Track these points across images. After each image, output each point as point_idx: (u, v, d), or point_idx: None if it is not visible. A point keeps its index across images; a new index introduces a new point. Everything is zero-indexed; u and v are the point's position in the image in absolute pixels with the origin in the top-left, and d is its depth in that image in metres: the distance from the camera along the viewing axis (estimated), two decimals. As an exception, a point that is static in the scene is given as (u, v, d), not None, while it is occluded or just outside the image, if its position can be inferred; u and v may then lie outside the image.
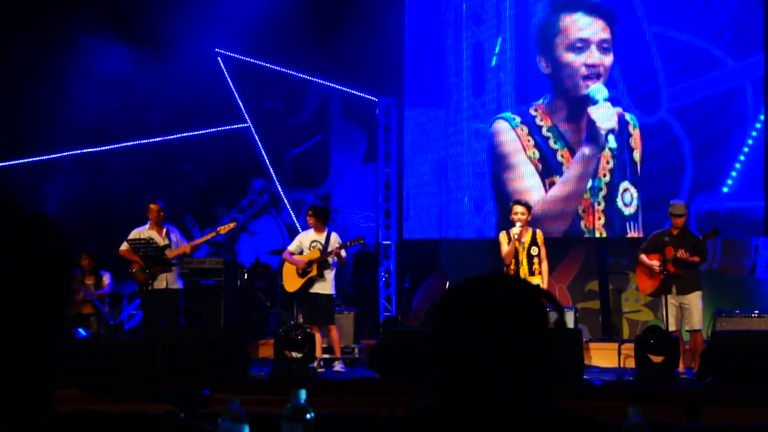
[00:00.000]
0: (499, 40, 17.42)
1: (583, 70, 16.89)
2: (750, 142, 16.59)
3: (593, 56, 16.89)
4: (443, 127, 17.56)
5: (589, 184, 16.76)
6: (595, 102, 16.64)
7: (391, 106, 17.69)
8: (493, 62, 17.44)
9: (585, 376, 12.26)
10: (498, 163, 17.22)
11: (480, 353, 2.59)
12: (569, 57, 17.02)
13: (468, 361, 2.61)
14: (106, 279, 15.52)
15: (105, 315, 15.35)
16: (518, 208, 13.24)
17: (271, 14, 17.84)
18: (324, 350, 14.21)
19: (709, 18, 16.79)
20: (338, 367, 13.86)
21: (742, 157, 16.62)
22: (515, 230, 13.07)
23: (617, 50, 16.93)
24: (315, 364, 13.16)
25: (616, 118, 16.61)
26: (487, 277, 2.78)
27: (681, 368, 12.52)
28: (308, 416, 3.84)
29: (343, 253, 14.04)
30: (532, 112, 17.13)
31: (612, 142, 16.56)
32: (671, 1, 16.98)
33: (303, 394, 3.87)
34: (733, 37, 16.74)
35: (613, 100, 16.78)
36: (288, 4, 17.84)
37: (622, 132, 16.79)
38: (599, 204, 16.76)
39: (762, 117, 16.53)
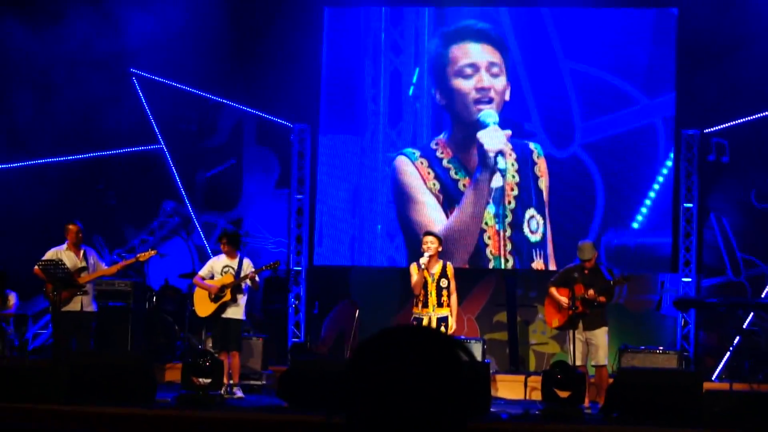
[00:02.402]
0: (417, 69, 17.50)
1: (474, 95, 17.02)
2: (660, 179, 16.84)
3: (483, 80, 17.02)
4: (358, 155, 17.58)
5: (493, 210, 16.86)
6: (485, 126, 16.76)
7: (306, 132, 17.68)
8: (411, 92, 17.51)
9: (492, 409, 12.33)
10: (401, 198, 17.27)
11: (395, 406, 2.60)
12: (460, 83, 17.16)
13: (383, 413, 2.62)
14: (12, 299, 15.32)
15: (10, 336, 15.13)
16: (428, 239, 13.27)
17: (188, 36, 17.74)
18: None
19: (623, 55, 17.04)
20: (238, 393, 13.83)
21: (652, 194, 16.86)
22: (424, 260, 13.08)
23: (534, 84, 17.09)
24: (222, 390, 13.10)
25: (504, 140, 16.73)
26: (405, 330, 2.78)
27: (586, 403, 12.65)
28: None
29: (257, 278, 14.01)
30: (432, 145, 17.23)
31: (501, 163, 16.67)
32: (586, 38, 17.19)
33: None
34: (646, 75, 17.00)
35: (530, 133, 16.93)
36: (205, 26, 17.76)
37: (526, 160, 16.94)
38: (505, 231, 16.88)
39: (671, 155, 16.79)
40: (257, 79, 17.85)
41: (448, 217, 16.98)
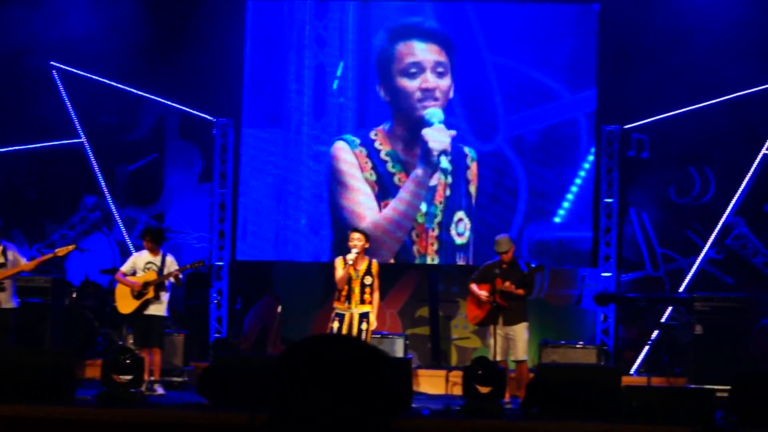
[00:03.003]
0: (341, 63, 17.49)
1: (418, 95, 17.07)
2: (582, 173, 17.00)
3: (428, 80, 17.08)
4: (282, 149, 17.53)
5: (425, 208, 16.93)
6: (430, 124, 16.82)
7: (229, 127, 17.59)
8: (335, 85, 17.49)
9: (414, 404, 12.38)
10: (335, 185, 17.27)
11: (318, 408, 2.64)
12: (404, 82, 17.20)
13: (306, 414, 2.66)
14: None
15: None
16: (355, 235, 13.28)
17: (109, 29, 17.62)
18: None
19: (545, 50, 17.16)
20: (159, 390, 13.78)
21: (574, 189, 17.01)
22: (350, 257, 13.09)
23: (458, 77, 17.15)
24: (143, 387, 13.03)
25: (449, 140, 16.80)
26: (330, 338, 2.84)
27: (507, 398, 12.75)
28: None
29: (180, 275, 13.96)
30: (372, 135, 17.24)
31: (444, 162, 16.74)
32: (510, 32, 17.29)
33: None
34: (568, 70, 17.13)
35: (454, 127, 16.99)
36: (127, 19, 17.63)
37: (459, 163, 17.02)
38: (433, 230, 16.95)
39: (593, 150, 16.94)
40: (180, 72, 17.72)
41: (380, 209, 17.01)
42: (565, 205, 17.03)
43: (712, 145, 16.97)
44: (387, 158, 17.16)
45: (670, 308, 16.64)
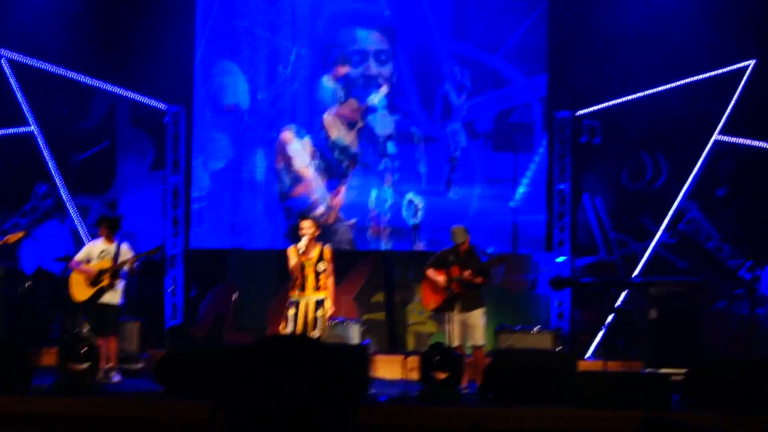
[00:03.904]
0: (294, 49, 17.47)
1: (361, 81, 17.18)
2: (537, 158, 17.08)
3: (371, 68, 17.15)
4: (235, 135, 17.54)
5: (375, 194, 17.00)
6: (374, 110, 16.93)
7: (180, 114, 17.55)
8: (288, 71, 17.48)
9: (371, 391, 12.38)
10: (284, 174, 17.31)
11: (275, 406, 2.65)
12: (347, 69, 17.27)
13: (262, 412, 2.66)
14: None
15: None
16: (305, 223, 13.20)
17: (60, 16, 17.54)
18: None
19: (497, 35, 17.21)
20: (116, 377, 13.70)
21: (529, 173, 17.08)
22: (301, 244, 13.05)
23: (410, 62, 17.20)
24: (99, 375, 12.96)
25: (393, 126, 16.92)
26: (284, 339, 2.87)
27: (464, 383, 12.77)
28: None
29: (135, 263, 13.89)
30: (320, 123, 17.29)
31: (391, 148, 16.86)
32: (461, 17, 17.33)
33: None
34: (520, 55, 17.19)
35: (405, 111, 17.06)
36: (77, 7, 17.54)
37: (407, 143, 17.11)
38: (385, 215, 17.02)
39: (546, 136, 17.02)
40: (131, 60, 17.64)
41: (332, 197, 17.09)
42: (520, 190, 17.10)
43: (664, 131, 17.07)
44: (334, 146, 17.23)
45: (625, 292, 16.74)
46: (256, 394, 2.64)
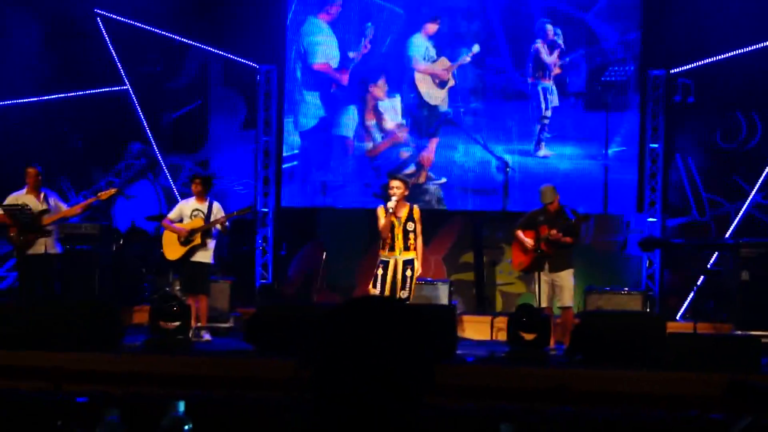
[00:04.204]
0: (386, 7, 17.46)
1: (452, 40, 17.20)
2: (629, 118, 16.96)
3: (462, 25, 17.18)
4: (326, 94, 17.61)
5: (465, 153, 17.13)
6: (465, 69, 17.21)
7: (272, 73, 17.61)
8: (380, 29, 17.50)
9: (459, 351, 12.41)
10: (375, 132, 17.44)
11: (361, 367, 2.70)
12: (438, 27, 17.28)
13: (348, 372, 2.72)
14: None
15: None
16: (394, 183, 13.14)
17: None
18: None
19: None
20: (206, 336, 13.86)
21: (621, 133, 16.97)
22: (391, 204, 13.01)
23: (501, 21, 17.17)
24: (190, 334, 13.12)
25: (484, 84, 17.02)
26: (370, 300, 2.91)
27: (551, 345, 12.75)
28: (186, 427, 3.81)
29: (227, 222, 14.03)
30: (410, 82, 17.36)
31: (482, 107, 16.93)
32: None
33: (182, 406, 3.83)
34: (615, 11, 17.05)
35: (497, 72, 17.11)
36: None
37: (498, 102, 17.19)
38: (475, 174, 17.16)
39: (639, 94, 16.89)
40: (223, 19, 17.74)
41: (422, 156, 17.27)
42: (612, 150, 16.96)
43: (758, 90, 16.77)
44: (424, 105, 17.32)
45: (716, 254, 16.55)
46: (339, 354, 2.68)
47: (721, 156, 17.05)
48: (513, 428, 3.70)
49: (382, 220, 13.09)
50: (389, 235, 13.05)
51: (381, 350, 2.72)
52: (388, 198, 13.18)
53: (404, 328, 2.78)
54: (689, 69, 16.92)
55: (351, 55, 17.53)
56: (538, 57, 17.19)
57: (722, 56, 16.68)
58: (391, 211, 12.99)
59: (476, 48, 17.23)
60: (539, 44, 17.16)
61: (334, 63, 17.58)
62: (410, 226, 13.08)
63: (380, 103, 17.42)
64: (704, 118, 17.05)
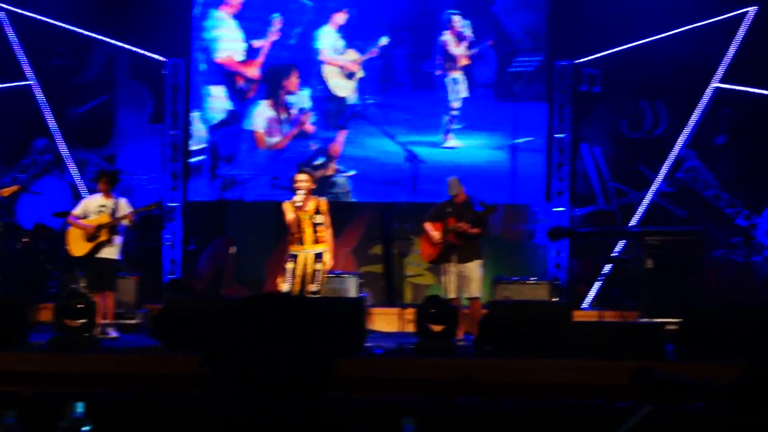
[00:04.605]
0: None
1: (360, 31, 17.22)
2: (536, 108, 17.09)
3: (370, 17, 17.24)
4: (232, 87, 17.54)
5: (373, 144, 17.15)
6: (373, 60, 17.12)
7: (179, 67, 17.51)
8: (286, 20, 17.46)
9: (368, 343, 12.41)
10: (284, 125, 17.41)
11: (263, 361, 2.73)
12: (346, 19, 17.29)
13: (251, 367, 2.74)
14: None
15: None
16: (300, 176, 13.05)
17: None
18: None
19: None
20: (112, 333, 13.74)
21: (528, 123, 17.11)
22: (298, 199, 12.96)
23: (409, 13, 17.19)
24: (96, 331, 12.99)
25: (393, 75, 17.04)
26: (273, 298, 2.94)
27: (460, 335, 12.81)
28: (85, 429, 3.78)
29: (134, 218, 13.91)
30: (318, 74, 17.37)
31: (390, 99, 16.91)
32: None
33: (80, 407, 3.80)
34: (522, 3, 17.14)
35: (405, 64, 17.10)
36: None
37: (406, 93, 17.25)
38: (383, 166, 17.15)
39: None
40: (130, 13, 17.57)
41: (331, 148, 17.34)
42: (519, 140, 17.08)
43: (663, 79, 16.98)
44: (333, 97, 17.42)
45: (622, 242, 16.74)
46: (239, 350, 2.70)
47: (627, 145, 17.26)
48: (414, 421, 3.72)
49: (289, 215, 13.01)
50: (297, 229, 13.00)
51: (281, 345, 2.75)
52: (295, 192, 13.14)
53: (305, 323, 2.81)
54: (595, 59, 17.09)
55: (256, 44, 17.45)
56: (445, 48, 17.25)
57: (627, 46, 16.86)
58: (297, 205, 12.94)
59: (384, 40, 17.27)
60: (447, 35, 17.22)
61: (239, 56, 17.51)
62: (318, 218, 13.03)
63: (289, 97, 17.38)
64: (610, 107, 17.26)
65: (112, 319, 13.93)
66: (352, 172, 17.23)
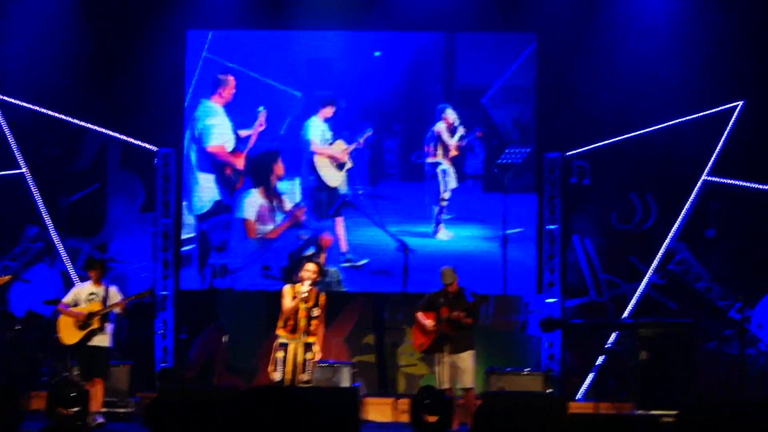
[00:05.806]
0: (281, 90, 17.55)
1: (349, 122, 17.34)
2: (526, 200, 17.17)
3: (359, 108, 17.34)
4: (222, 177, 17.58)
5: (364, 234, 17.22)
6: (362, 151, 17.34)
7: (171, 156, 17.58)
8: (275, 112, 17.55)
9: (361, 434, 12.33)
10: (275, 214, 17.43)
11: None
12: (334, 110, 17.42)
13: None
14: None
15: None
16: (310, 266, 12.95)
17: (50, 60, 17.57)
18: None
19: (488, 75, 17.38)
20: (99, 419, 13.64)
21: (518, 214, 17.16)
22: (304, 289, 12.78)
23: (400, 104, 17.32)
24: (89, 420, 12.88)
25: (382, 166, 17.10)
26: (270, 392, 2.96)
27: (455, 426, 12.74)
28: None
29: (126, 305, 13.87)
30: (309, 165, 17.44)
31: (380, 189, 17.01)
32: (452, 58, 17.45)
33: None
34: (511, 95, 17.29)
35: (395, 154, 17.24)
36: (67, 50, 17.58)
37: (396, 183, 17.38)
38: (375, 256, 17.18)
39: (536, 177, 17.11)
40: (121, 103, 17.69)
41: (322, 238, 17.31)
42: (509, 231, 17.13)
43: (653, 172, 17.13)
44: (323, 187, 17.51)
45: (615, 333, 16.74)
46: None
47: (617, 237, 17.32)
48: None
49: (288, 301, 12.81)
50: (293, 317, 12.86)
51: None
52: (295, 280, 13.04)
53: (303, 416, 2.82)
54: (584, 151, 17.21)
55: (243, 134, 17.52)
56: (439, 139, 17.35)
57: (617, 139, 16.99)
58: (304, 295, 12.80)
59: (369, 132, 17.35)
60: (441, 126, 17.33)
61: (229, 146, 17.58)
62: (315, 312, 12.90)
63: (279, 185, 17.44)
64: (600, 199, 17.34)
65: (100, 406, 13.84)
66: (364, 261, 17.25)
